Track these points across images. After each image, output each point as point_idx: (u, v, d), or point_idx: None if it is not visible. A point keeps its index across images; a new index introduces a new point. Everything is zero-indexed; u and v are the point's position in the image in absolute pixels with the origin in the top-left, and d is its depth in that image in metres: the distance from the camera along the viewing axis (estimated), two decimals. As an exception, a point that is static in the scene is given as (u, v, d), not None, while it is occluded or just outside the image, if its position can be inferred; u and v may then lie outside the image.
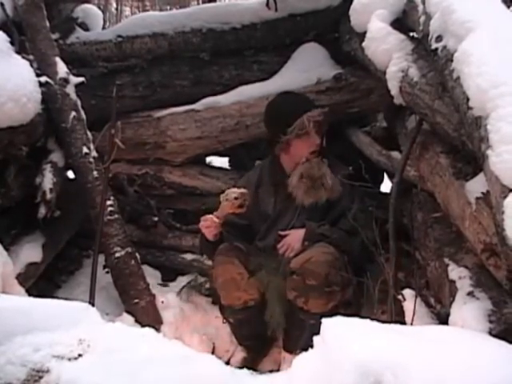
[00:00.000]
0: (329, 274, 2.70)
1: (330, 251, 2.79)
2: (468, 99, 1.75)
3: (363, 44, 2.83)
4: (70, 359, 1.45)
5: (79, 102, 3.41)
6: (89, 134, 3.41)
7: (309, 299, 2.73)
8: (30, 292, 2.84)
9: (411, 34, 2.71)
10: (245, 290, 2.88)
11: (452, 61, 1.93)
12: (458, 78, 1.86)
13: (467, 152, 2.08)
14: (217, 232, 2.94)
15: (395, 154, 3.19)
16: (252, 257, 2.98)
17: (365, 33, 2.80)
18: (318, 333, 1.53)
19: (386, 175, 3.87)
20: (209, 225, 2.91)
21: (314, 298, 2.72)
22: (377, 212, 2.79)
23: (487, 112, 1.61)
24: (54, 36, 3.62)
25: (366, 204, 3.04)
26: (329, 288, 2.70)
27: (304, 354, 1.55)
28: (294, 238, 2.95)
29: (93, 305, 2.84)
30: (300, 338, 2.78)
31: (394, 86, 2.58)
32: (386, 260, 2.55)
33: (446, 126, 2.23)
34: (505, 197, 1.43)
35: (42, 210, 3.17)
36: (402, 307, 2.28)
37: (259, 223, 3.15)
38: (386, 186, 3.92)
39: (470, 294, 1.79)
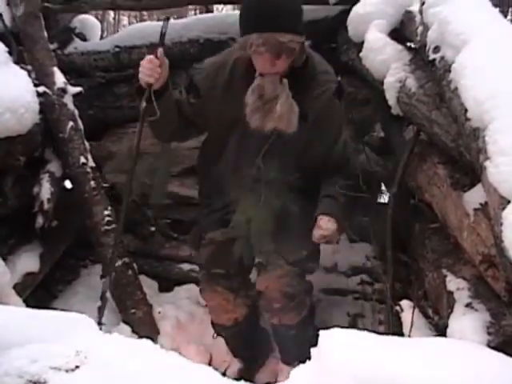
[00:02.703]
0: (287, 293, 2.62)
1: (282, 272, 2.60)
2: (466, 110, 1.75)
3: (361, 54, 2.84)
4: (67, 370, 1.44)
5: (77, 112, 3.41)
6: (86, 144, 3.41)
7: (281, 318, 2.71)
8: (27, 302, 2.83)
9: (409, 44, 2.73)
10: (233, 311, 2.86)
11: (450, 71, 1.94)
12: (456, 88, 1.87)
13: (465, 163, 2.08)
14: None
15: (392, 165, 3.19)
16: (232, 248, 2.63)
17: (362, 43, 2.81)
18: (315, 344, 1.52)
19: (383, 186, 3.87)
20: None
21: (285, 314, 2.69)
22: (374, 223, 2.78)
23: (485, 123, 1.61)
24: (52, 46, 3.63)
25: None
26: (293, 302, 2.65)
27: (301, 365, 1.54)
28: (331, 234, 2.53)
29: (102, 313, 2.85)
30: (295, 351, 2.75)
31: (391, 97, 2.59)
32: (383, 271, 2.54)
33: (444, 137, 2.23)
34: (503, 208, 1.43)
35: (40, 220, 3.17)
36: (399, 318, 2.28)
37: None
38: (383, 196, 3.92)
39: (468, 305, 1.78)
